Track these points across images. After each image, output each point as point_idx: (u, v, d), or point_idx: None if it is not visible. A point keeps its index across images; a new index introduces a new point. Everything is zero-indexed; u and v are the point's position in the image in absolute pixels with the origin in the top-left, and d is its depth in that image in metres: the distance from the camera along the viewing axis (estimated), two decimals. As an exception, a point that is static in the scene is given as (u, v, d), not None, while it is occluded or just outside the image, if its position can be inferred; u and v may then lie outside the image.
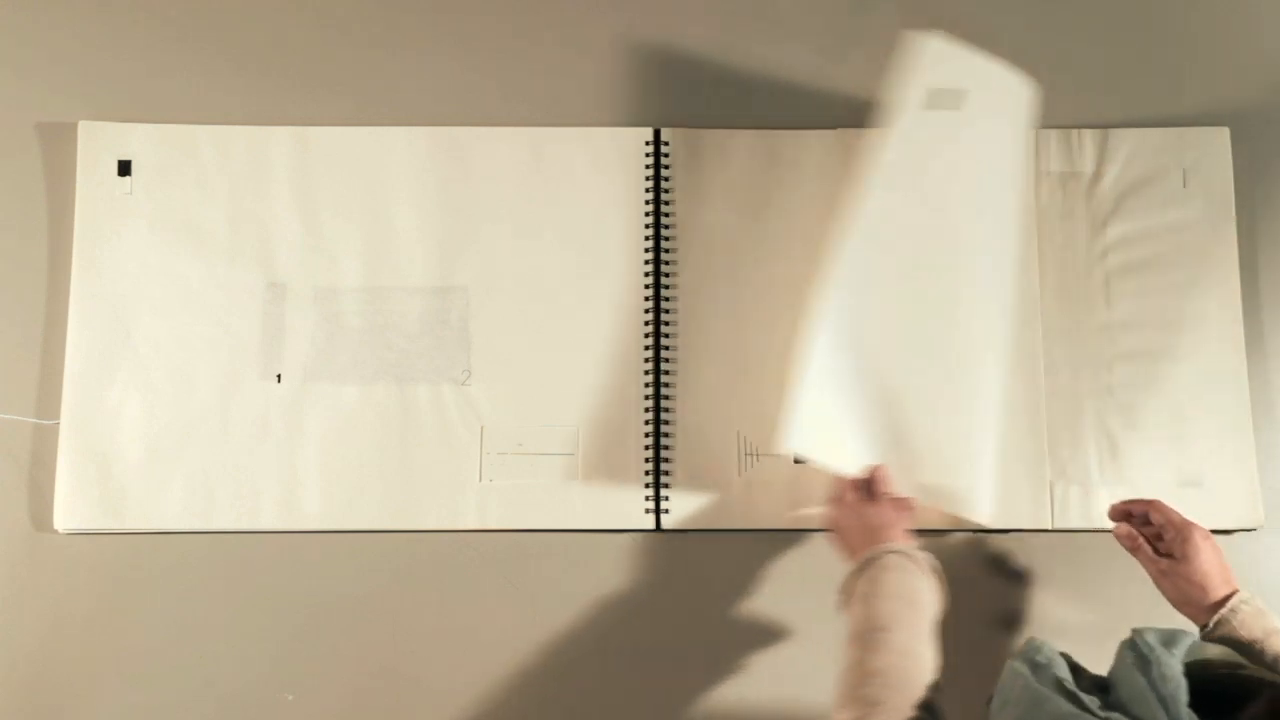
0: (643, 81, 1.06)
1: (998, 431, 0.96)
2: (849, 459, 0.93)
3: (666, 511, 0.99)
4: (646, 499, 0.99)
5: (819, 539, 0.99)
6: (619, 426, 1.00)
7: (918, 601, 0.78)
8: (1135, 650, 0.74)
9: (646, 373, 1.01)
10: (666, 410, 1.00)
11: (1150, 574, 0.86)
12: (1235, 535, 1.00)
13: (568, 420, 1.00)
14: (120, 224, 1.01)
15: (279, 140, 1.03)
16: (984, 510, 0.94)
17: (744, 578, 0.99)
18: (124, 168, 1.02)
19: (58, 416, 0.99)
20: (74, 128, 1.02)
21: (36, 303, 1.01)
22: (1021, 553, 1.00)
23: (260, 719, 0.96)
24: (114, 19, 1.06)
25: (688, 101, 1.06)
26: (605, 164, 1.04)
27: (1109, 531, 0.99)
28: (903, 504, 0.89)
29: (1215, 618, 0.81)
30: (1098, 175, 1.04)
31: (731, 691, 0.97)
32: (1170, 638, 0.75)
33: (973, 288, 0.96)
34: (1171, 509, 0.87)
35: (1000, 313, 0.97)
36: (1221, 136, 1.05)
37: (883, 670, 0.71)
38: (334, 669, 0.97)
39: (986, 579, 1.00)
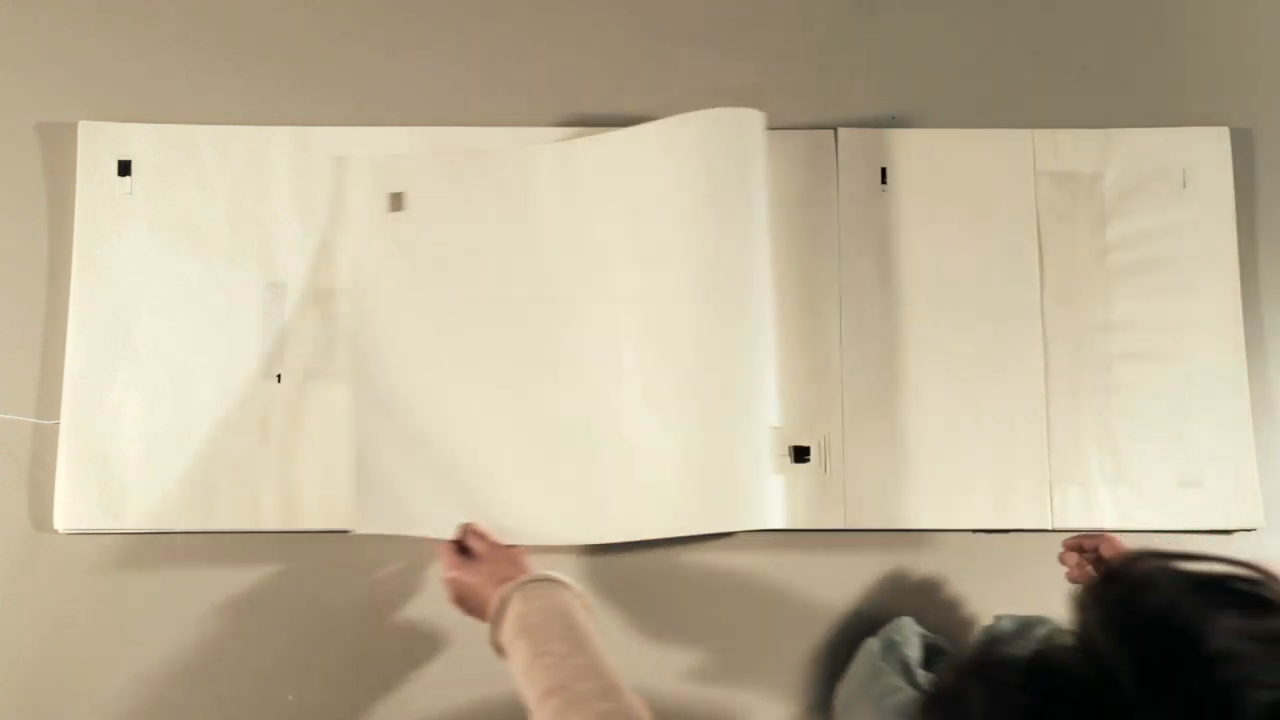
0: (642, 82, 1.06)
1: (698, 434, 0.95)
2: (438, 523, 0.94)
3: (666, 511, 0.99)
4: (646, 499, 0.99)
5: (820, 538, 0.99)
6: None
7: (567, 611, 0.78)
8: (988, 634, 0.75)
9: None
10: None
11: None
12: (1235, 535, 1.00)
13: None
14: (120, 224, 1.01)
15: (279, 140, 1.03)
16: (711, 519, 0.94)
17: (744, 578, 0.99)
18: (124, 168, 1.02)
19: (58, 416, 0.99)
20: (74, 128, 1.02)
21: (36, 303, 1.01)
22: (1021, 553, 1.00)
23: (260, 719, 0.96)
24: (114, 19, 1.06)
25: (687, 102, 1.05)
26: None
27: (1109, 532, 0.99)
28: (507, 547, 0.92)
29: None
30: (1098, 175, 1.04)
31: (735, 691, 0.98)
32: (1028, 624, 0.76)
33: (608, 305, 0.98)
34: (1121, 543, 0.87)
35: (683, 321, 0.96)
36: (1221, 136, 1.05)
37: (572, 675, 0.71)
38: (334, 669, 0.97)
39: (985, 579, 1.00)
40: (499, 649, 0.81)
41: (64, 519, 0.97)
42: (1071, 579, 0.88)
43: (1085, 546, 0.88)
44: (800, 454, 1.00)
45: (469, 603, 0.87)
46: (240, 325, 1.01)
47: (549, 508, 0.97)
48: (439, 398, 0.98)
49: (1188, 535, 1.00)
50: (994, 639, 0.45)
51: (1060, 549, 0.90)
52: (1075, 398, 1.01)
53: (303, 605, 0.98)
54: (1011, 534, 1.00)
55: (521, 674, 0.75)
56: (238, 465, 0.98)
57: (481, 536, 0.93)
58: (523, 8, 1.07)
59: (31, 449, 0.99)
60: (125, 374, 0.99)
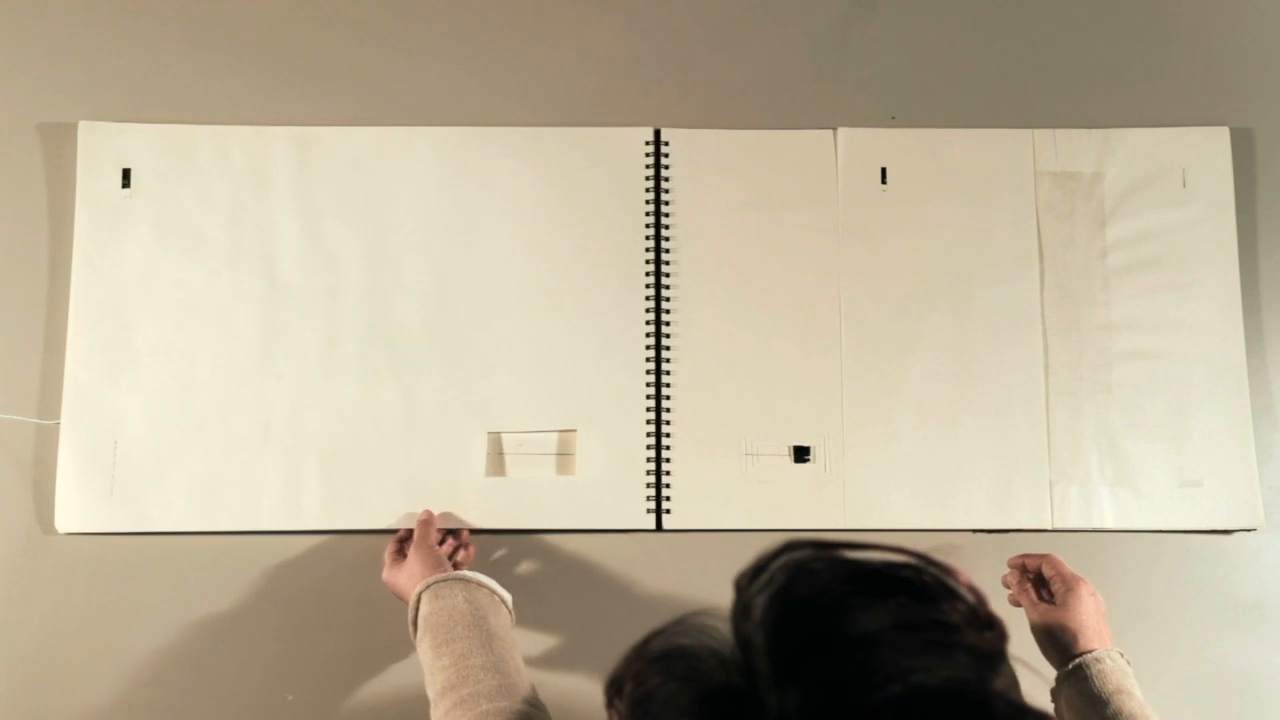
0: (643, 81, 1.06)
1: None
2: (176, 512, 0.97)
3: (667, 512, 0.99)
4: (647, 499, 0.99)
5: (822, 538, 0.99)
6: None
7: (471, 610, 0.80)
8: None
9: (647, 373, 1.01)
10: (666, 410, 1.00)
11: (1028, 616, 0.85)
12: (1235, 535, 1.00)
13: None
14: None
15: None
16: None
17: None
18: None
19: (58, 417, 0.99)
20: (74, 128, 1.02)
21: (37, 303, 1.01)
22: (1022, 553, 0.99)
23: (260, 719, 0.97)
24: (114, 19, 1.06)
25: (688, 101, 1.06)
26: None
27: (1109, 531, 0.99)
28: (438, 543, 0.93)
29: (1075, 661, 0.78)
30: (1098, 175, 1.04)
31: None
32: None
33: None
34: (1064, 564, 0.86)
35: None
36: (1221, 136, 1.05)
37: (466, 674, 0.74)
38: (334, 669, 0.97)
39: (985, 579, 0.99)
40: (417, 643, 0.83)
41: (65, 520, 0.97)
42: (1012, 601, 0.87)
43: (1028, 566, 0.88)
44: (800, 454, 1.00)
45: (404, 600, 0.88)
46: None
47: (276, 490, 0.98)
48: (172, 376, 0.99)
49: (1188, 535, 1.00)
50: (658, 629, 0.45)
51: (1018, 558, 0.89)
52: (1075, 397, 1.01)
53: (303, 605, 0.98)
54: (1011, 534, 1.00)
55: (426, 671, 0.78)
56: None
57: (424, 525, 0.93)
58: (523, 8, 1.07)
59: (32, 449, 0.99)
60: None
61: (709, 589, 0.99)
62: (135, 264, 1.01)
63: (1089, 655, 0.79)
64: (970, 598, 0.43)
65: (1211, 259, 1.03)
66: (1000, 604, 0.96)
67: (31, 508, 0.98)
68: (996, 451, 1.00)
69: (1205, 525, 1.00)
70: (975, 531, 1.00)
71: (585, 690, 0.97)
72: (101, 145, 1.02)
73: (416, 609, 0.83)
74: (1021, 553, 0.89)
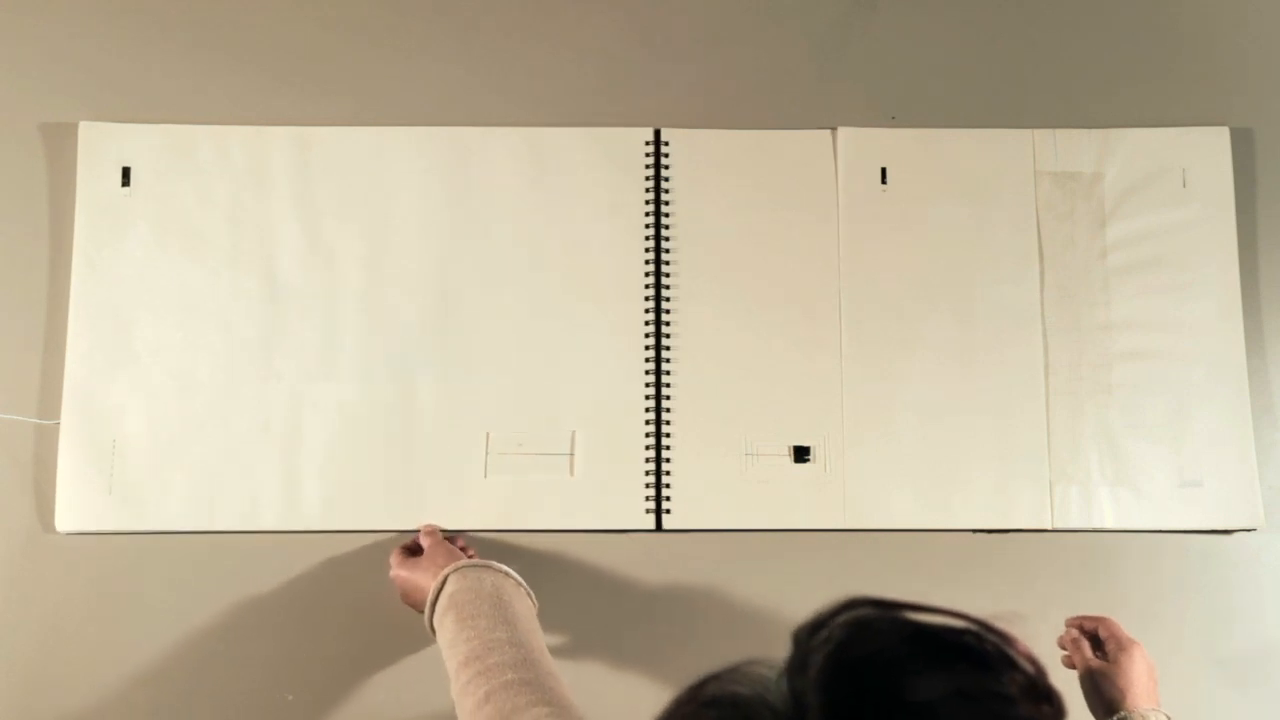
0: (643, 81, 1.06)
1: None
2: (175, 512, 0.97)
3: (667, 511, 0.99)
4: (646, 499, 0.99)
5: (820, 538, 0.99)
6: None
7: (498, 592, 0.80)
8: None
9: (647, 373, 1.01)
10: (666, 410, 1.00)
11: (1078, 667, 0.85)
12: (1235, 535, 1.00)
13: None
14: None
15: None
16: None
17: (744, 578, 0.99)
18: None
19: (58, 417, 0.99)
20: (75, 128, 1.02)
21: (37, 303, 1.01)
22: (1021, 553, 1.00)
23: (260, 719, 0.97)
24: (114, 19, 1.06)
25: (688, 101, 1.06)
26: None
27: (1109, 531, 0.99)
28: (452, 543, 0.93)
29: (1120, 716, 0.79)
30: (1098, 175, 1.04)
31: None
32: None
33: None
34: (1120, 626, 0.86)
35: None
36: (1221, 136, 1.05)
37: (491, 646, 0.74)
38: (334, 669, 0.97)
39: (985, 579, 1.00)
40: (432, 630, 0.83)
41: (65, 520, 0.97)
42: (1067, 664, 0.87)
43: (1085, 627, 0.88)
44: (800, 454, 1.00)
45: (412, 597, 0.89)
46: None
47: (276, 490, 0.98)
48: (172, 376, 0.99)
49: (1188, 535, 1.00)
50: (713, 674, 0.45)
51: (1066, 624, 0.90)
52: (1075, 397, 1.01)
53: (303, 605, 0.98)
54: (1011, 534, 1.00)
55: (447, 646, 0.78)
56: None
57: (432, 534, 0.94)
58: (523, 8, 1.07)
59: (32, 449, 0.99)
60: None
61: (709, 589, 0.99)
62: (135, 263, 1.01)
63: (1134, 713, 0.79)
64: (1030, 669, 0.42)
65: (1211, 259, 1.03)
66: (998, 601, 0.97)
67: (31, 507, 0.98)
68: (996, 451, 1.00)
69: (1205, 525, 1.00)
70: (975, 531, 1.00)
71: (585, 691, 0.97)
72: (101, 145, 1.02)
73: (440, 589, 0.83)
74: (1078, 614, 0.89)
